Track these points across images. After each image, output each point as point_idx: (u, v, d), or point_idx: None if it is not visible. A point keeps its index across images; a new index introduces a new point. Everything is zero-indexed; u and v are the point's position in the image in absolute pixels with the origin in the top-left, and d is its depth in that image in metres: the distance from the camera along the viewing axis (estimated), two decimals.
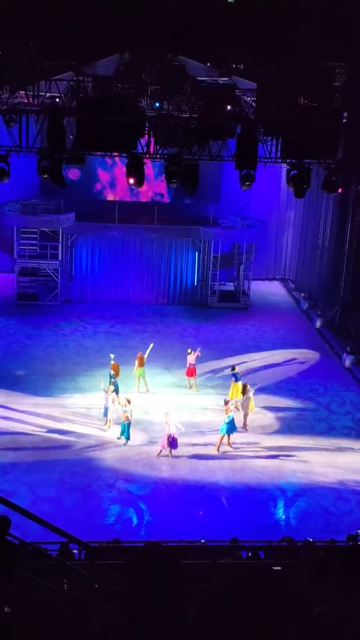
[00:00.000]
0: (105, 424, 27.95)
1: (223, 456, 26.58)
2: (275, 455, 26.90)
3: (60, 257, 40.75)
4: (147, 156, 29.20)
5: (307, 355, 36.19)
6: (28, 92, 28.57)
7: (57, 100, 28.62)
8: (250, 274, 43.10)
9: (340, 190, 32.50)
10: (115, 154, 30.40)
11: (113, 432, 27.48)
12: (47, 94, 28.44)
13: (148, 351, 31.41)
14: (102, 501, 23.98)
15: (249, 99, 30.50)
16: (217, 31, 29.62)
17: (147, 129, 28.38)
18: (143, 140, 28.28)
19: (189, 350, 31.82)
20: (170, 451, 26.06)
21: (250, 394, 28.35)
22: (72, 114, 27.76)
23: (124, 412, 26.66)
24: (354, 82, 31.11)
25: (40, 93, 28.39)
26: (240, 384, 29.32)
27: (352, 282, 38.53)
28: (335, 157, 30.00)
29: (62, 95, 28.61)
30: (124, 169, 29.59)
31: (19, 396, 30.14)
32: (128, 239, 41.44)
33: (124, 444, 26.78)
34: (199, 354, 31.64)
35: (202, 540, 19.16)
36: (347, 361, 34.90)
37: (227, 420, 26.53)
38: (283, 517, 23.89)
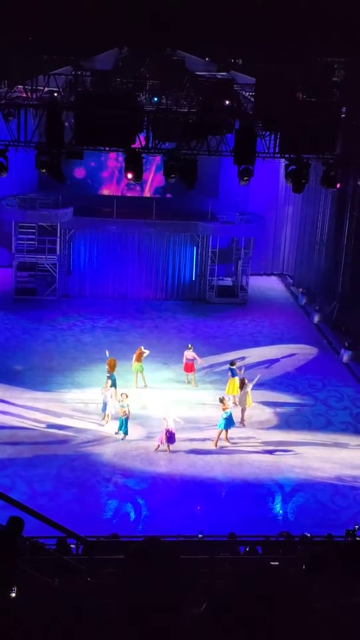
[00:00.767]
0: (103, 419, 27.95)
1: (221, 451, 26.59)
2: (273, 450, 26.92)
3: (58, 252, 40.72)
4: (146, 151, 29.19)
5: (305, 351, 36.20)
6: (26, 87, 28.55)
7: (56, 94, 28.57)
8: (248, 269, 43.10)
9: (338, 186, 32.49)
10: (114, 148, 30.31)
11: (111, 427, 27.48)
12: (46, 89, 28.43)
13: (143, 357, 31.30)
14: (100, 496, 24.00)
15: (247, 93, 30.49)
16: (216, 26, 29.56)
17: (145, 123, 28.36)
18: (141, 135, 28.28)
19: (189, 346, 31.84)
20: (168, 446, 26.08)
21: (248, 389, 28.35)
22: (70, 108, 27.74)
23: (121, 407, 26.68)
24: (353, 78, 31.11)
25: (39, 87, 28.37)
26: (237, 379, 29.30)
27: (350, 278, 38.55)
28: (333, 152, 29.97)
29: (61, 89, 28.58)
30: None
31: (17, 391, 30.14)
32: (126, 234, 41.41)
33: (122, 439, 26.79)
34: (201, 362, 31.73)
35: (200, 535, 19.18)
36: (345, 356, 34.92)
37: (224, 416, 26.53)
38: (281, 512, 23.91)
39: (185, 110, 29.13)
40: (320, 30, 28.77)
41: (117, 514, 23.12)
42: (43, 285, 41.15)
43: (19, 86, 29.07)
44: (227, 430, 26.82)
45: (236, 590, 3.78)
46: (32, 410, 28.75)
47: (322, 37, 29.01)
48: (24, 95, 28.86)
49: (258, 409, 29.54)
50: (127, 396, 27.00)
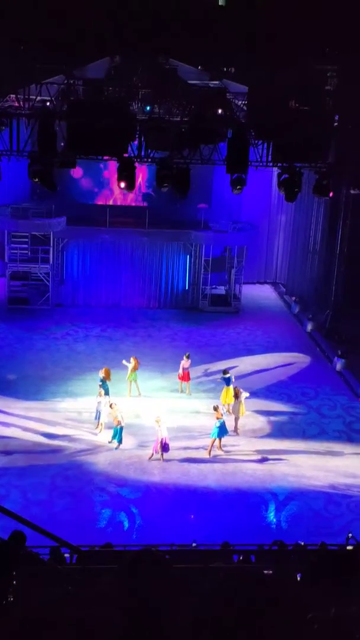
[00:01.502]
0: (97, 427, 27.91)
1: (214, 460, 26.55)
2: (266, 459, 26.89)
3: (51, 261, 40.69)
4: (138, 160, 29.22)
5: (298, 359, 36.20)
6: (18, 96, 28.57)
7: (48, 104, 28.60)
8: (241, 278, 43.11)
9: (331, 194, 32.55)
10: (106, 157, 30.34)
11: (104, 436, 27.44)
12: (38, 98, 28.45)
13: (131, 366, 31.17)
14: (94, 505, 23.94)
15: (240, 102, 30.56)
16: (208, 35, 29.66)
17: (138, 132, 28.39)
18: (134, 144, 28.31)
19: (186, 355, 31.78)
20: (162, 455, 26.04)
21: (242, 398, 28.35)
22: (63, 117, 27.77)
23: (115, 416, 26.64)
24: (345, 86, 31.17)
25: (31, 97, 28.39)
26: (231, 387, 29.29)
27: (343, 286, 38.57)
28: (326, 161, 30.06)
29: (53, 98, 28.61)
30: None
31: (10, 400, 30.07)
32: (119, 243, 41.41)
33: (116, 448, 26.75)
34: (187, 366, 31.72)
35: (194, 544, 19.14)
36: (338, 365, 34.93)
37: (217, 424, 26.52)
38: (274, 520, 23.87)
39: (178, 119, 29.18)
40: (313, 39, 28.88)
41: (111, 523, 23.07)
42: (36, 294, 41.09)
43: (11, 95, 29.10)
44: (220, 439, 26.80)
45: (229, 599, 3.77)
46: (26, 419, 28.69)
47: (315, 45, 29.12)
48: (16, 104, 28.87)
49: (251, 417, 29.53)
50: (115, 405, 26.96)
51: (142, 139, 28.76)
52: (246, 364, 35.03)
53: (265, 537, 21.00)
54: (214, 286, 43.13)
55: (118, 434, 26.66)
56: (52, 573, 11.01)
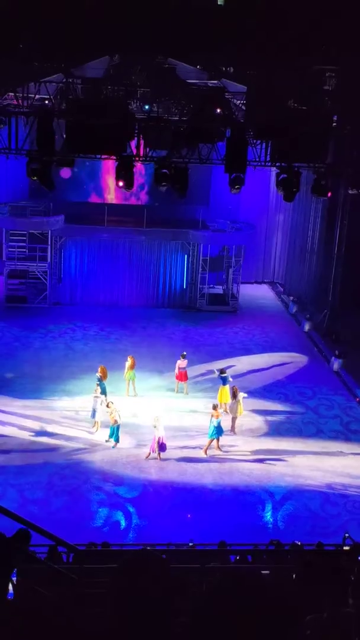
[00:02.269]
0: (94, 426, 27.90)
1: (211, 459, 26.55)
2: (263, 459, 26.89)
3: (49, 260, 40.67)
4: (137, 159, 29.21)
5: (295, 359, 36.20)
6: (17, 94, 28.54)
7: (47, 102, 28.59)
8: (239, 277, 43.13)
9: (329, 194, 32.56)
10: (105, 156, 30.32)
11: (101, 435, 27.43)
12: (37, 96, 28.42)
13: (129, 366, 31.21)
14: (91, 504, 23.94)
15: (238, 102, 30.53)
16: (207, 34, 29.64)
17: (136, 131, 28.37)
18: (133, 143, 28.30)
19: (182, 354, 31.79)
20: (159, 454, 26.04)
21: (240, 397, 28.33)
22: (61, 116, 27.75)
23: (112, 415, 26.62)
24: (344, 86, 31.16)
25: (30, 95, 28.36)
26: (228, 387, 29.28)
27: (341, 286, 38.58)
28: (324, 161, 30.06)
29: (52, 97, 28.59)
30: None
31: (7, 399, 30.06)
32: (117, 242, 41.38)
33: (113, 447, 26.74)
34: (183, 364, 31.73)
35: (190, 544, 19.14)
36: (336, 365, 34.94)
37: (214, 424, 26.52)
38: (271, 520, 23.88)
39: (177, 118, 29.16)
40: (312, 39, 28.86)
41: (107, 522, 23.06)
42: (34, 293, 41.07)
43: (10, 93, 29.07)
44: (218, 439, 26.79)
45: (223, 599, 3.76)
46: (23, 418, 28.68)
47: (313, 45, 29.10)
48: (15, 102, 28.85)
49: (249, 417, 29.52)
50: (112, 404, 26.94)
51: (141, 138, 28.74)
52: (244, 363, 35.02)
53: (262, 536, 21.01)
54: (211, 285, 43.13)
55: (115, 432, 26.65)
56: (49, 572, 11.01)
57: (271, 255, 47.56)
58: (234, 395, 28.47)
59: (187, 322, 40.23)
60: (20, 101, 28.42)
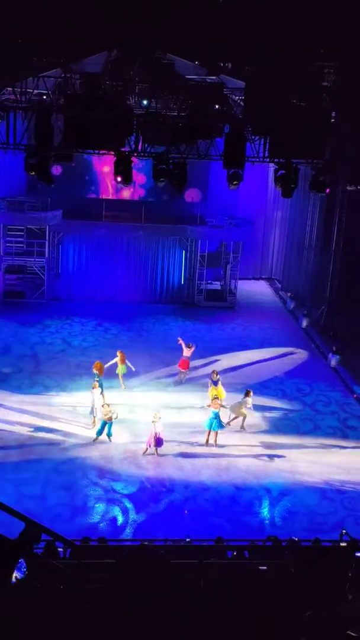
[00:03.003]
0: (93, 422, 27.86)
1: (209, 455, 26.54)
2: (260, 455, 26.90)
3: (47, 255, 40.68)
4: (135, 154, 29.17)
5: (293, 355, 36.20)
6: (16, 89, 28.51)
7: (45, 97, 28.54)
8: (237, 273, 43.13)
9: (327, 191, 32.54)
10: (103, 151, 30.29)
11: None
12: (35, 91, 28.38)
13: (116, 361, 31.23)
14: (88, 499, 23.91)
15: (237, 97, 30.50)
16: (205, 30, 29.60)
17: (135, 127, 28.33)
18: (131, 139, 28.26)
19: (189, 344, 31.94)
20: (156, 450, 26.03)
21: (249, 401, 28.14)
22: (59, 111, 27.71)
23: (107, 416, 26.50)
24: (343, 82, 31.13)
25: (28, 90, 28.32)
26: (220, 387, 29.09)
27: (338, 282, 38.58)
28: (323, 157, 30.02)
29: (50, 92, 28.54)
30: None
31: (4, 394, 30.04)
32: (115, 237, 41.38)
33: (94, 440, 26.58)
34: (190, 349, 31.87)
35: (187, 540, 19.14)
36: (333, 361, 34.94)
37: (212, 416, 26.59)
38: (268, 516, 23.86)
39: (175, 113, 29.11)
40: (311, 35, 28.82)
41: (104, 518, 23.05)
42: (31, 288, 41.06)
43: (8, 88, 29.03)
44: (216, 433, 26.83)
45: (221, 596, 3.75)
46: (20, 413, 28.66)
47: (312, 41, 29.07)
48: (13, 97, 28.81)
49: (246, 413, 29.51)
50: (106, 406, 26.86)
51: (139, 134, 28.70)
52: (241, 359, 35.03)
53: (259, 532, 21.03)
54: (209, 281, 43.13)
55: (106, 427, 26.55)
56: (47, 567, 11.01)
57: (269, 252, 47.58)
58: (246, 396, 28.29)
59: (184, 317, 40.25)
60: (18, 96, 28.38)
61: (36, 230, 40.28)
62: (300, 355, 36.40)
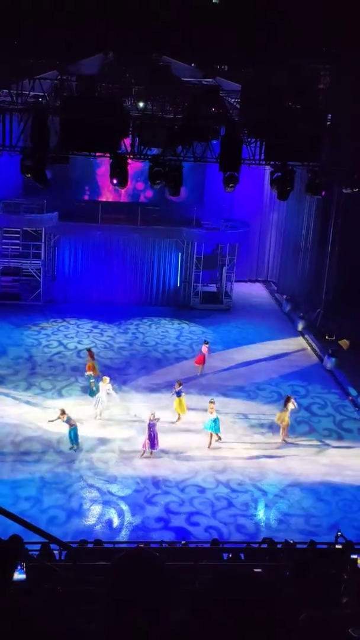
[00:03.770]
0: (99, 414, 28.07)
1: (204, 457, 26.55)
2: (256, 457, 26.91)
3: (43, 257, 40.69)
4: (131, 157, 29.15)
5: (289, 357, 36.23)
6: (11, 91, 28.47)
7: (41, 99, 28.52)
8: (233, 276, 43.17)
9: (323, 193, 32.55)
10: (99, 153, 30.29)
11: (98, 432, 27.44)
12: (31, 93, 28.35)
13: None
14: (83, 502, 23.91)
15: (233, 100, 30.52)
16: (201, 32, 29.62)
17: (131, 129, 28.32)
18: (127, 141, 28.23)
19: (205, 341, 33.73)
20: (152, 452, 26.04)
21: (289, 407, 28.07)
22: (56, 113, 27.69)
23: (67, 420, 26.32)
24: (339, 85, 31.16)
25: (24, 92, 28.29)
26: (184, 401, 29.00)
27: (334, 285, 38.64)
28: (319, 160, 30.02)
29: (46, 94, 28.52)
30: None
31: (0, 396, 30.03)
32: (111, 239, 41.41)
33: (73, 449, 26.52)
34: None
35: (183, 542, 19.14)
36: (329, 363, 34.98)
37: (212, 419, 26.73)
38: (263, 518, 23.87)
39: (171, 116, 29.11)
40: (306, 38, 28.85)
41: (100, 520, 23.04)
42: (27, 290, 41.07)
43: (4, 90, 28.98)
44: (213, 434, 26.89)
45: (216, 597, 3.76)
46: (16, 415, 28.65)
47: (308, 44, 29.08)
48: (9, 99, 28.77)
49: (242, 415, 29.55)
50: (63, 412, 26.68)
51: (135, 136, 28.69)
52: (237, 361, 35.05)
53: (254, 535, 21.04)
54: (205, 284, 43.18)
55: (74, 436, 26.40)
56: (42, 570, 11.01)
57: (265, 254, 47.63)
58: (286, 404, 28.26)
59: (180, 320, 40.28)
60: (14, 98, 28.34)
61: (32, 232, 40.29)
62: (296, 357, 36.43)
